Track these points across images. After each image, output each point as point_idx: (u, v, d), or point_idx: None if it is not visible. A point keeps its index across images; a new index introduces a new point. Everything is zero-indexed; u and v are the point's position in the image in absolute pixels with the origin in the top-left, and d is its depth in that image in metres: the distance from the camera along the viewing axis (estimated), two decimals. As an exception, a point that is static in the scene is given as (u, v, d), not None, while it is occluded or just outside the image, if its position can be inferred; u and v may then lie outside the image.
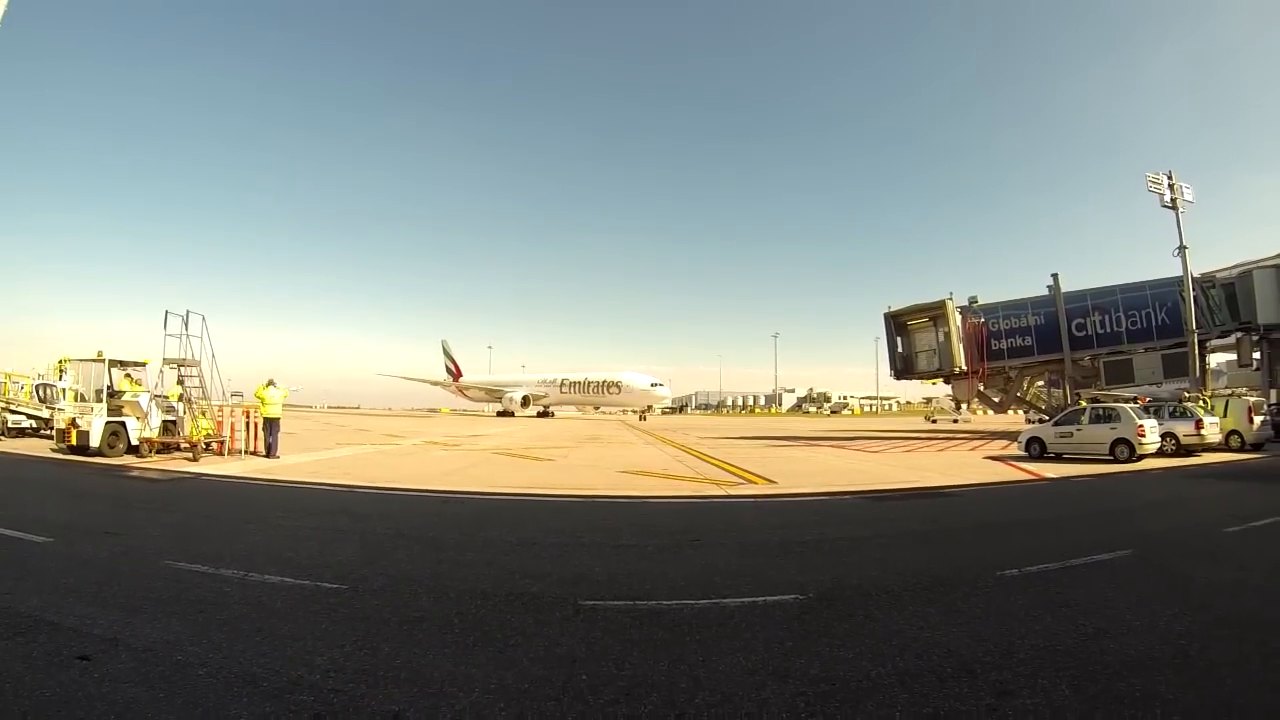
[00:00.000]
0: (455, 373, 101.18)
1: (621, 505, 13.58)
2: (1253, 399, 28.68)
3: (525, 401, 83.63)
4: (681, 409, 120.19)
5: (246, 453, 22.45)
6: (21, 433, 30.33)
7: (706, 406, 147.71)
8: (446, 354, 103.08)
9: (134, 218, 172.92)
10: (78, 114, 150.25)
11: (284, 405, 23.33)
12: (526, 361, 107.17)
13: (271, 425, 22.53)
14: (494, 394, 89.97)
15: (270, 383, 22.97)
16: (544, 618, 5.97)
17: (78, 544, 8.97)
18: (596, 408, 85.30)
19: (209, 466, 19.11)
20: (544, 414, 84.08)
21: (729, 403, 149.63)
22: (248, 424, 23.60)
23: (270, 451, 21.98)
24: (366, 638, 5.34)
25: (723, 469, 19.77)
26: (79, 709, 3.98)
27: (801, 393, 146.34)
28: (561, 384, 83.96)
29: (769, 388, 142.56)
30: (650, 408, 76.93)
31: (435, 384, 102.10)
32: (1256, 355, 34.92)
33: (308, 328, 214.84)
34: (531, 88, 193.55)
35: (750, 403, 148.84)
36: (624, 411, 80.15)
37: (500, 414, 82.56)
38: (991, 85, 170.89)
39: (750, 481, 16.86)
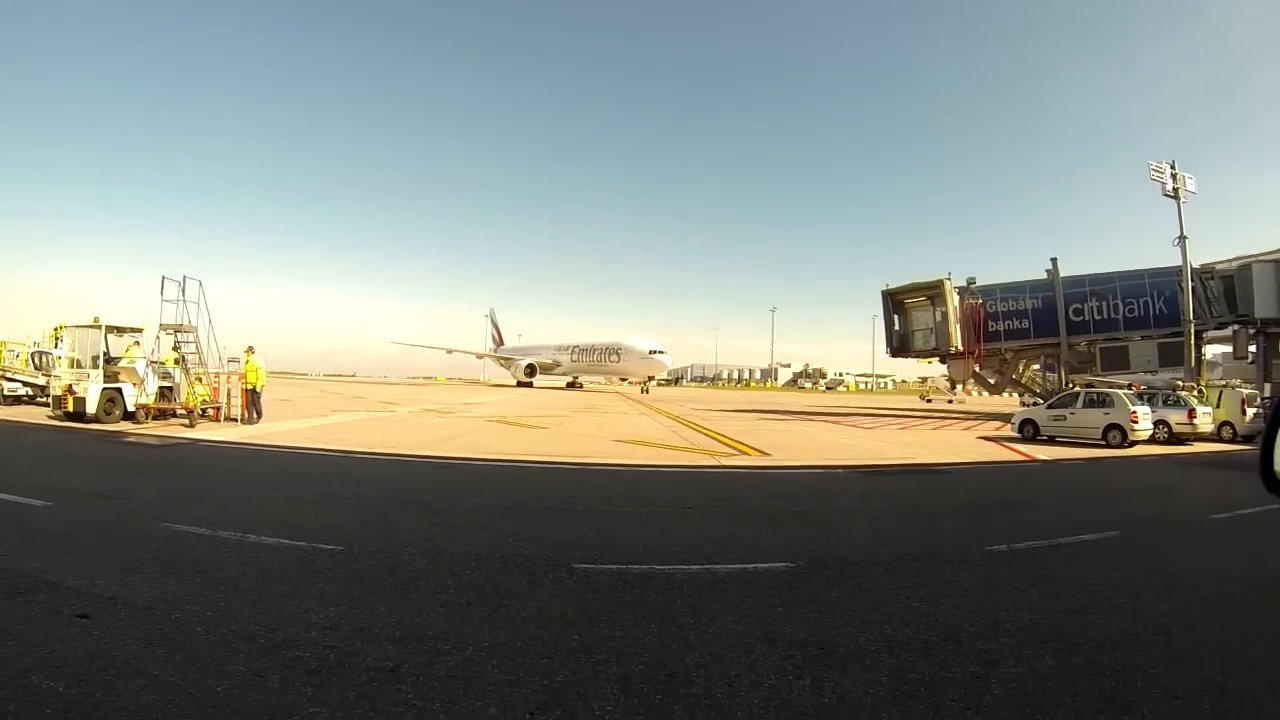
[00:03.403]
0: (498, 341, 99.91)
1: (615, 473, 13.69)
2: (1246, 391, 28.78)
3: (531, 370, 78.04)
4: (677, 381, 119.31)
5: (243, 420, 22.41)
6: (18, 400, 30.23)
7: (702, 379, 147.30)
8: (493, 323, 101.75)
9: (138, 174, 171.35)
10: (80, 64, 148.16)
11: (272, 373, 23.49)
12: (524, 330, 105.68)
13: (257, 392, 22.69)
14: (508, 362, 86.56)
15: (250, 349, 23.08)
16: (537, 580, 6.05)
17: (76, 507, 8.99)
18: (609, 376, 77.94)
19: (205, 432, 19.12)
20: (573, 385, 78.81)
21: (725, 376, 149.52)
22: (242, 391, 23.53)
23: (258, 417, 22.15)
24: (362, 597, 5.41)
25: (717, 440, 19.88)
26: (79, 665, 4.03)
27: (797, 368, 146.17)
28: (573, 350, 78.35)
29: (765, 362, 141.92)
30: (651, 378, 70.70)
31: (452, 352, 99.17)
32: (1252, 348, 34.85)
33: (300, 292, 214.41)
34: (537, 64, 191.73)
35: (746, 376, 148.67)
36: (622, 380, 74.57)
37: (520, 384, 76.77)
38: (996, 72, 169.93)
39: (744, 453, 16.96)
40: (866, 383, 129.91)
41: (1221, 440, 25.67)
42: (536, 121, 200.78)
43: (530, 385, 75.97)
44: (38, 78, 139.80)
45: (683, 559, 6.84)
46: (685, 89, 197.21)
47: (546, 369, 79.51)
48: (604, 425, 24.88)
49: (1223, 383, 33.57)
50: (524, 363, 79.83)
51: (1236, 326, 34.36)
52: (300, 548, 6.90)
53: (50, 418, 22.49)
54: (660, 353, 70.29)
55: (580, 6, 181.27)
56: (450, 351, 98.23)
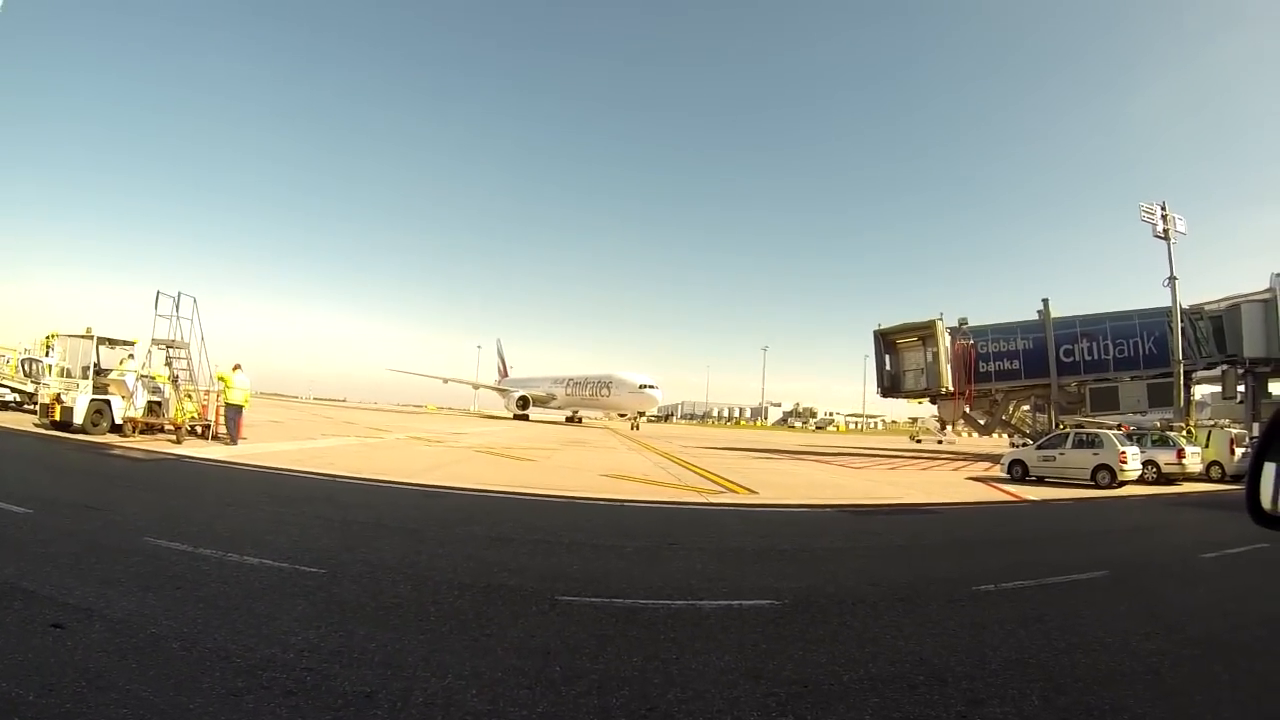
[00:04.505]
0: (503, 373, 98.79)
1: (602, 507, 13.60)
2: (1235, 431, 28.92)
3: (524, 402, 75.85)
4: (667, 418, 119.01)
5: (230, 439, 22.24)
6: (5, 406, 30.17)
7: (692, 416, 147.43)
8: (499, 354, 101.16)
9: (139, 183, 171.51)
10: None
11: (262, 394, 22.96)
12: (522, 361, 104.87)
13: (235, 411, 21.79)
14: (505, 394, 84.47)
15: (237, 367, 22.38)
16: (520, 610, 5.99)
17: (57, 517, 8.96)
18: (606, 411, 75.01)
19: (192, 449, 19.01)
20: (573, 419, 76.56)
21: (715, 413, 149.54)
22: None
23: (233, 438, 21.23)
24: (342, 621, 5.35)
25: (705, 477, 19.78)
26: (50, 674, 3.97)
27: (788, 407, 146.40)
28: (567, 383, 76.67)
29: (755, 400, 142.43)
30: (642, 413, 68.34)
31: (448, 381, 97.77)
32: (1241, 388, 35.11)
33: (293, 313, 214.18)
34: (536, 90, 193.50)
35: (736, 414, 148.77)
36: (621, 416, 71.28)
37: (516, 417, 74.38)
38: (987, 109, 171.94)
39: (732, 491, 16.85)
40: (857, 423, 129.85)
41: (1210, 480, 25.82)
42: (536, 149, 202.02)
43: (526, 418, 74.24)
44: (41, 79, 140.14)
45: (667, 594, 6.78)
46: (682, 120, 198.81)
47: (541, 401, 77.71)
48: (592, 460, 24.82)
49: (1211, 423, 33.67)
50: (517, 395, 78.24)
51: (1225, 366, 34.66)
52: (282, 569, 6.83)
53: (36, 425, 22.39)
54: (651, 387, 68.46)
55: (581, 30, 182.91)
56: (446, 381, 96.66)
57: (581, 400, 75.19)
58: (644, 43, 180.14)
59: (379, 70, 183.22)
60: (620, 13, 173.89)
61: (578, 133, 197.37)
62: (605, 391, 70.33)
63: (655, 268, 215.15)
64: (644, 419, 68.49)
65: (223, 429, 22.18)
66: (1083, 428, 27.74)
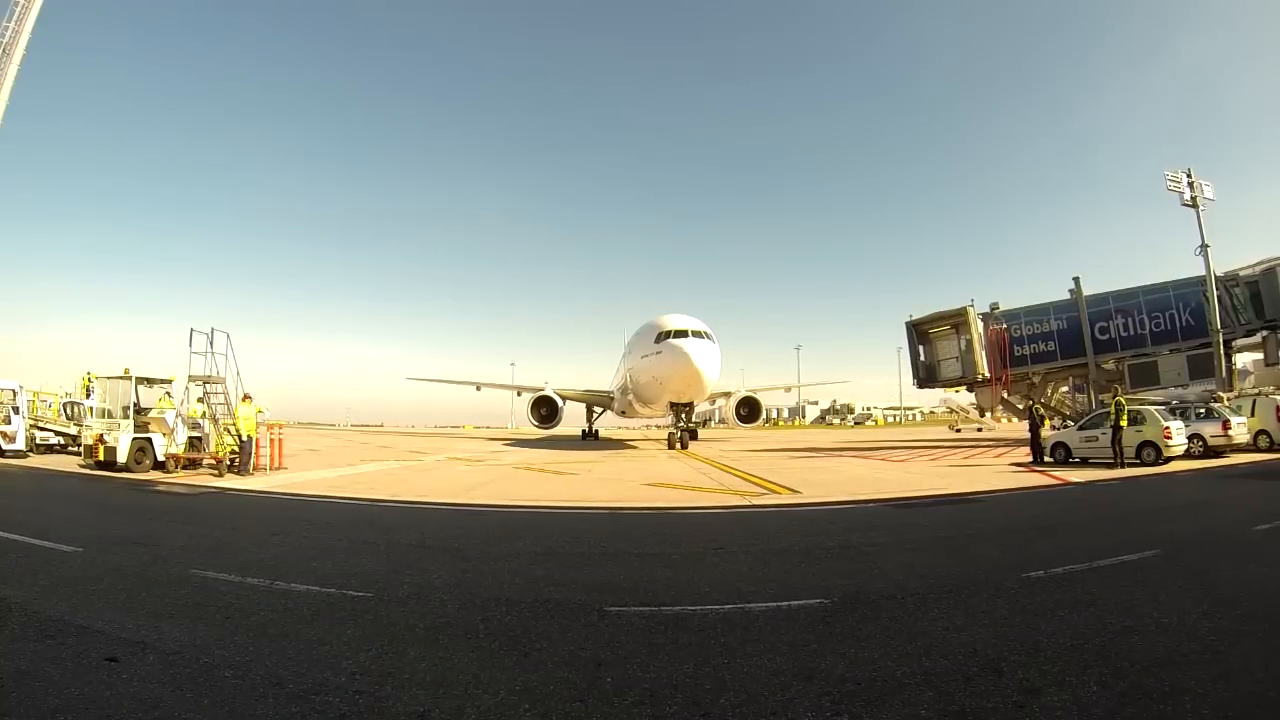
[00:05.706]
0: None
1: (645, 516, 13.55)
2: (1280, 397, 28.25)
3: (548, 415, 66.03)
4: (704, 423, 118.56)
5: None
6: (50, 449, 30.81)
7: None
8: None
9: (171, 226, 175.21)
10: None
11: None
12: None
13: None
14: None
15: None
16: (568, 624, 5.99)
17: (106, 554, 9.11)
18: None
19: (234, 481, 19.32)
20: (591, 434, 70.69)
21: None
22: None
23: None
24: (392, 643, 5.37)
25: (746, 480, 19.64)
26: (107, 708, 4.04)
27: (825, 404, 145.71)
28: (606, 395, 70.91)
29: (792, 400, 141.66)
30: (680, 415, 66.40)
31: (481, 388, 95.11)
32: (1283, 353, 34.18)
33: (328, 343, 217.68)
34: (552, 84, 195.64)
35: (774, 416, 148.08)
36: (650, 425, 70.60)
37: (585, 435, 68.90)
38: (1010, 94, 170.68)
39: (774, 491, 16.72)
40: (895, 415, 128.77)
41: (1259, 449, 25.23)
42: (541, 138, 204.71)
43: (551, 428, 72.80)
44: (66, 125, 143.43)
45: (715, 599, 6.73)
46: (707, 118, 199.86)
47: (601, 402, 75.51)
48: (633, 469, 24.78)
49: (1255, 391, 32.81)
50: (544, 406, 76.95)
51: (1265, 332, 33.72)
52: (329, 594, 6.89)
53: (82, 466, 22.89)
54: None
55: (598, 21, 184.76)
56: (479, 388, 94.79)
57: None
58: (673, 31, 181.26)
59: (407, 105, 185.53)
60: (650, 30, 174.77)
61: (598, 126, 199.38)
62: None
63: (682, 279, 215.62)
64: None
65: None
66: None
